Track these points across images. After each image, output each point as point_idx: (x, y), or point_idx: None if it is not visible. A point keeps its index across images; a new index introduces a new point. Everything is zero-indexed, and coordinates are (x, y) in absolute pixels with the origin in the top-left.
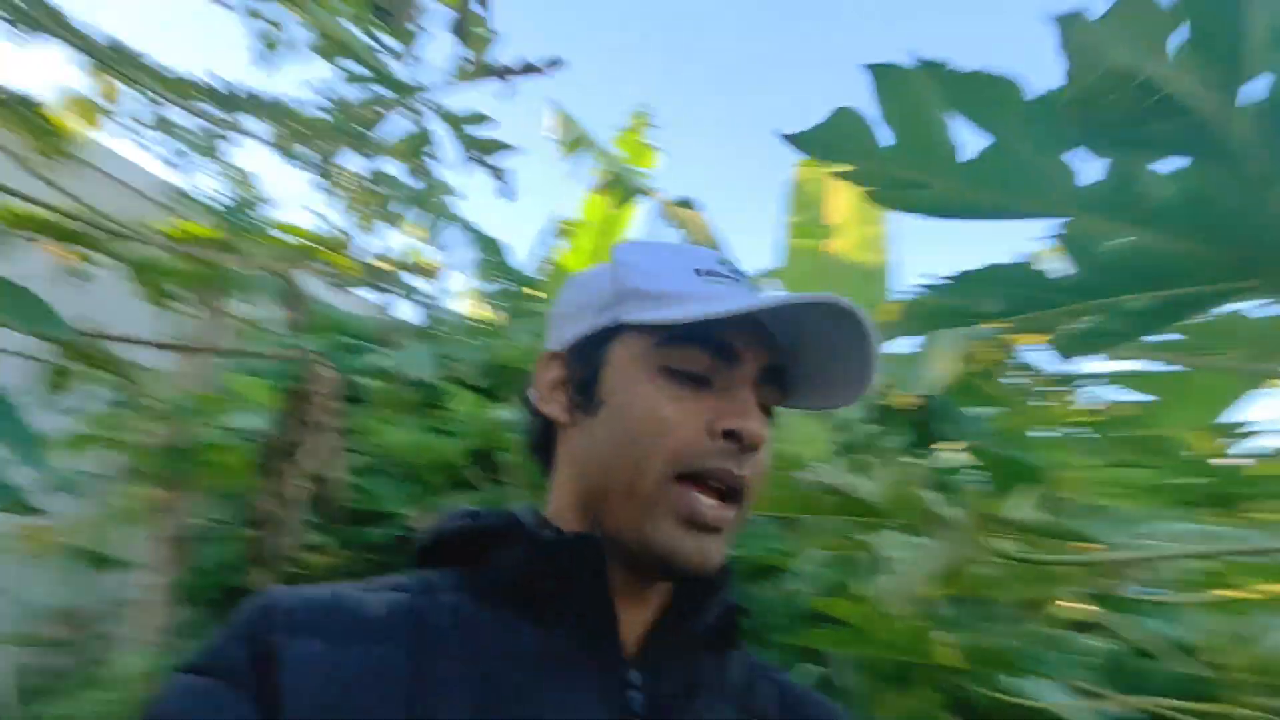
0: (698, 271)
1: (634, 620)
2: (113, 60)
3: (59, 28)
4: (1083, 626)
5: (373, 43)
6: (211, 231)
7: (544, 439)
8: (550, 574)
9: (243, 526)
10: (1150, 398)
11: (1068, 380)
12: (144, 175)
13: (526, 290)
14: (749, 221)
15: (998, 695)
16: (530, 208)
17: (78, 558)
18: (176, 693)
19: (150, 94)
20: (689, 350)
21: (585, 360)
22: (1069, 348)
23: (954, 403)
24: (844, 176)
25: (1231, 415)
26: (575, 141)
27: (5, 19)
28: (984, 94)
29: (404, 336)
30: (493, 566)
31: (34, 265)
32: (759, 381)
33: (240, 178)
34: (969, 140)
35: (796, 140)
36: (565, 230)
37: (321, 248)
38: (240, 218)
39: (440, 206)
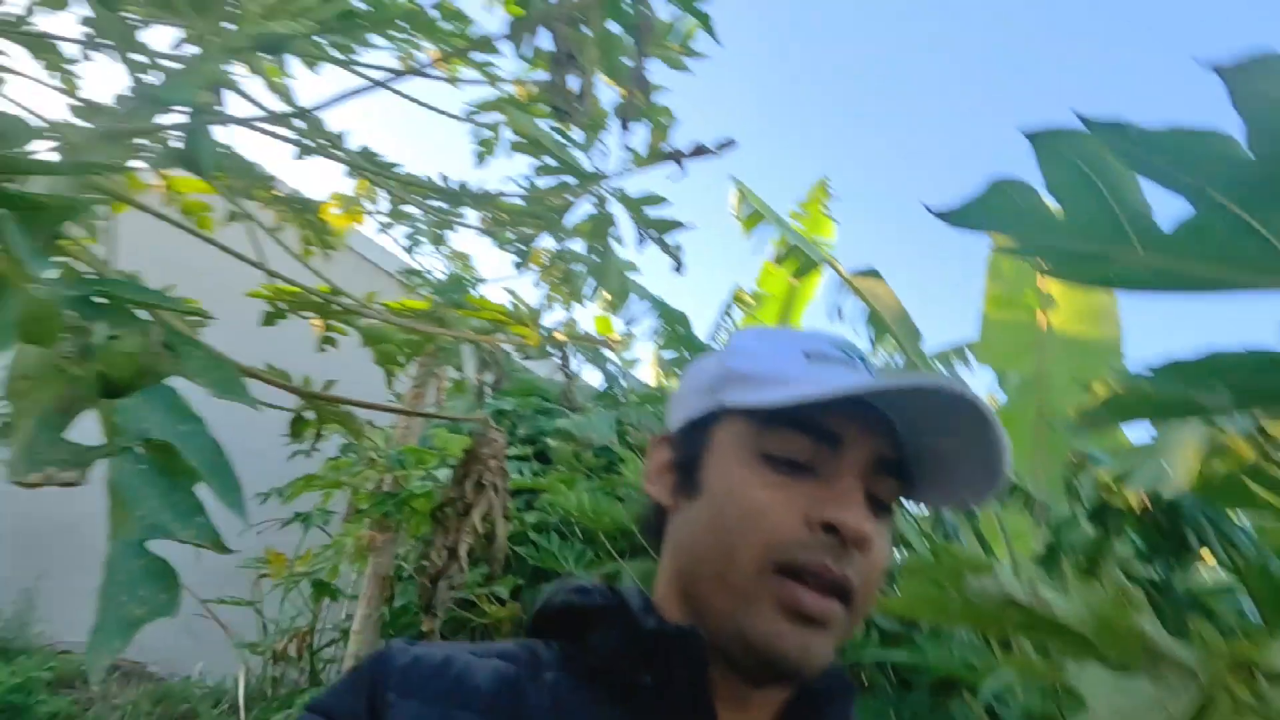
0: (807, 354)
1: None
2: (368, 167)
3: (330, 146)
4: None
5: (561, 138)
6: (424, 304)
7: (655, 522)
8: (647, 663)
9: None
10: None
11: None
12: (391, 259)
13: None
14: (942, 291)
15: None
16: (715, 283)
17: (310, 585)
18: None
19: (394, 192)
20: (789, 435)
21: (689, 443)
22: None
23: (1206, 504)
24: (1014, 253)
25: None
26: (755, 216)
27: (291, 141)
28: (1182, 152)
29: (589, 402)
30: (590, 648)
31: (301, 335)
32: (871, 473)
33: (460, 259)
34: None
35: (950, 217)
36: (744, 302)
37: (513, 320)
38: (452, 293)
39: (623, 280)
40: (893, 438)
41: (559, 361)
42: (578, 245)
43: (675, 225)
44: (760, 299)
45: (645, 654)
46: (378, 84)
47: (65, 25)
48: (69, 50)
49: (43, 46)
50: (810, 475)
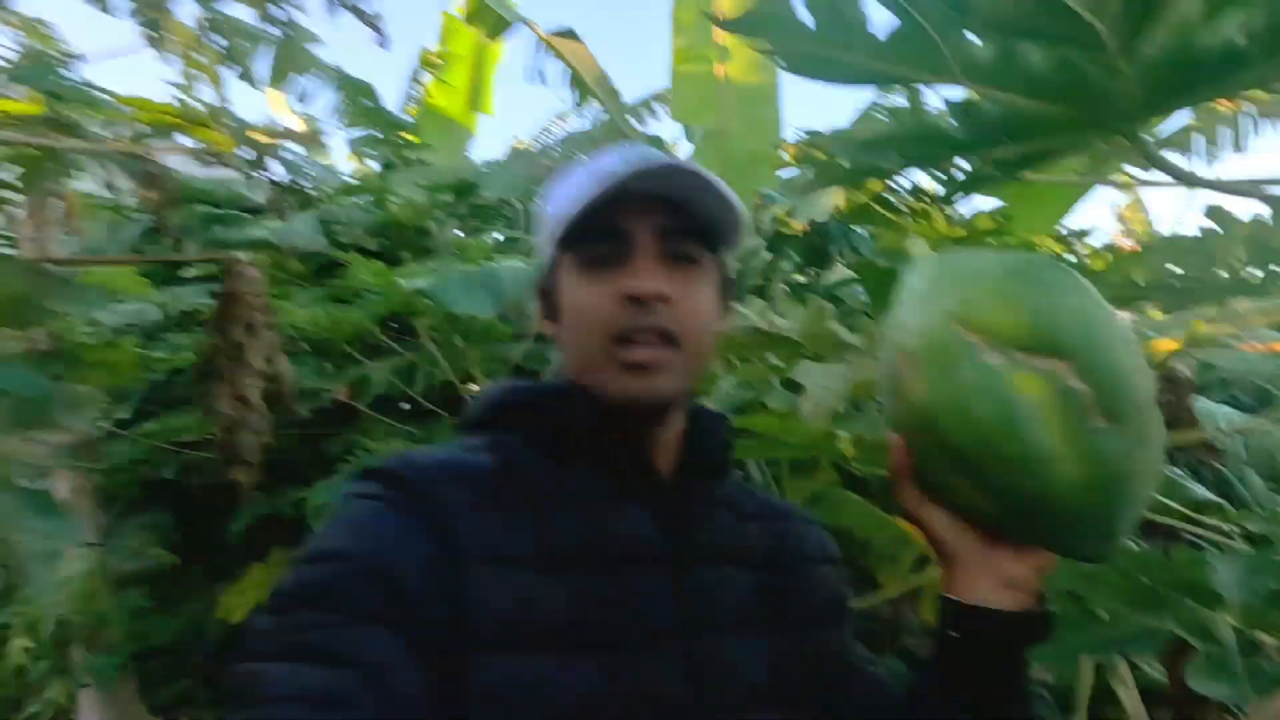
0: (598, 180)
1: (663, 456)
2: None
3: None
4: None
5: None
6: (34, 107)
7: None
8: (597, 434)
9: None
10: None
11: (945, 199)
12: None
13: (400, 135)
14: (636, 44)
15: (881, 471)
16: (396, 51)
17: None
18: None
19: None
20: (589, 244)
21: (547, 282)
22: (952, 188)
23: (842, 225)
24: (769, 52)
25: (1070, 221)
26: None
27: None
28: None
29: (281, 204)
30: (557, 428)
31: None
32: (662, 242)
33: (33, 30)
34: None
35: (728, 25)
36: (431, 64)
37: (186, 120)
38: (36, 78)
39: (309, 57)
40: (675, 208)
41: (251, 163)
42: (237, 11)
43: None
44: (448, 59)
45: (597, 428)
46: None
47: None
48: None
49: None
50: (615, 265)
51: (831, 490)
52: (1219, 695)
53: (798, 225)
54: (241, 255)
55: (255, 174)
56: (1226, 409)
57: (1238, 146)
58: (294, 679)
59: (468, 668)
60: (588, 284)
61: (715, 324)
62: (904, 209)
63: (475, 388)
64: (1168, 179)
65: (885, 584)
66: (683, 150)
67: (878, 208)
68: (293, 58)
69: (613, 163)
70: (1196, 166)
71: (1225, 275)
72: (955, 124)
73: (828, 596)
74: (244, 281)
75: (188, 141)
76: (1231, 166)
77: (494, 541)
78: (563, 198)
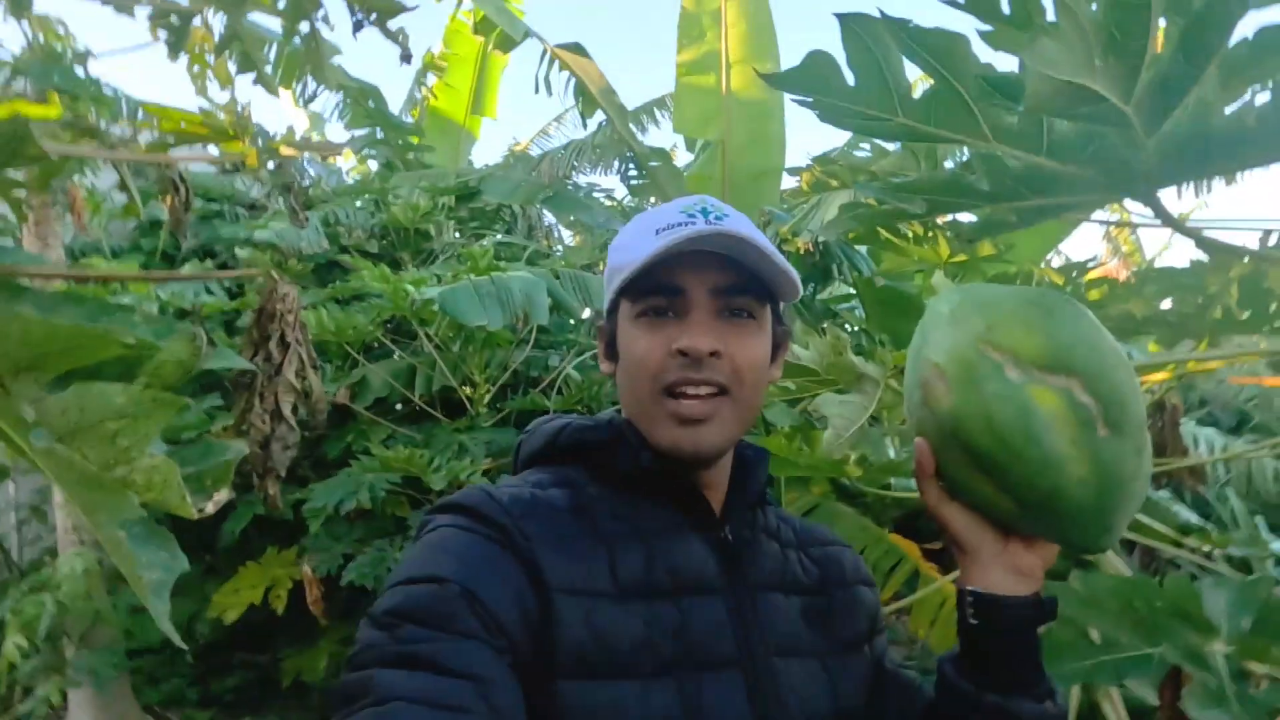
0: (657, 230)
1: (714, 494)
2: None
3: None
4: None
5: None
6: (52, 110)
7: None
8: (661, 476)
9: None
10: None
11: (960, 238)
12: None
13: (404, 137)
14: (643, 57)
15: (881, 492)
16: (390, 50)
17: None
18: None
19: None
20: (648, 297)
21: (609, 325)
22: (977, 232)
23: (845, 246)
24: (810, 107)
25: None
26: None
27: None
28: (940, 48)
29: (295, 207)
30: (617, 468)
31: None
32: (717, 299)
33: (46, 27)
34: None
35: (775, 79)
36: (436, 66)
37: (212, 130)
38: (40, 74)
39: (335, 70)
40: (729, 266)
41: (273, 174)
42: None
43: (399, 8)
44: (451, 61)
45: (657, 470)
46: None
47: None
48: None
49: None
50: (671, 319)
51: (827, 503)
52: None
53: (801, 243)
54: (240, 251)
55: (292, 186)
56: (1208, 431)
57: (1229, 181)
58: (411, 683)
59: (552, 695)
60: (645, 334)
61: (766, 375)
62: (907, 233)
63: (470, 390)
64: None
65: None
66: (682, 160)
67: (882, 231)
68: (316, 69)
69: (674, 215)
70: (1187, 198)
71: (1217, 312)
72: (978, 176)
73: (868, 615)
74: (279, 299)
75: (211, 150)
76: (1222, 199)
77: (574, 574)
78: (626, 245)
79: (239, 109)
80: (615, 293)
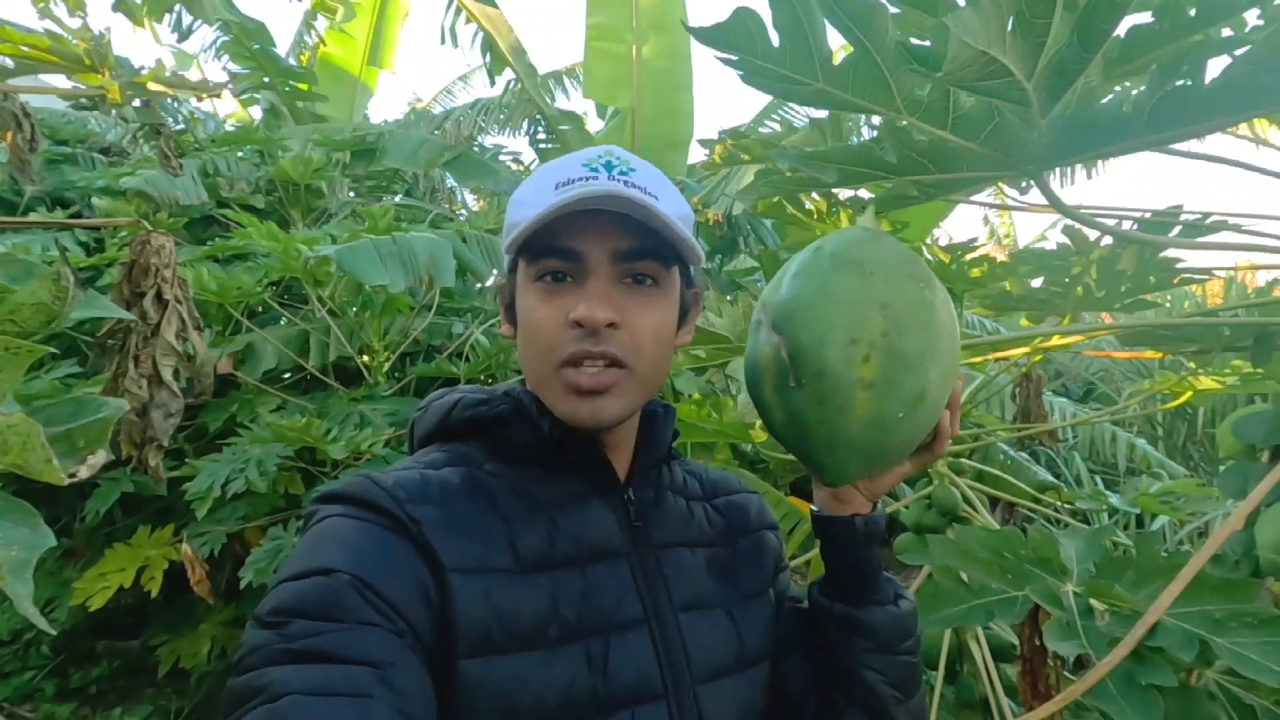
0: (556, 185)
1: (619, 454)
2: None
3: None
4: None
5: None
6: None
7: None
8: (563, 444)
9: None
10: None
11: (861, 208)
12: None
13: (293, 83)
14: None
15: (781, 456)
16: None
17: None
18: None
19: None
20: (543, 258)
21: (508, 287)
22: (880, 205)
23: (752, 218)
24: (733, 65)
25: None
26: None
27: None
28: (861, 15)
29: (166, 152)
30: (515, 441)
31: None
32: (618, 264)
33: None
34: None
35: (700, 33)
36: (328, 7)
37: (64, 59)
38: None
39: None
40: (630, 229)
41: (140, 112)
42: None
43: None
44: (347, 4)
45: (556, 438)
46: None
47: None
48: None
49: None
50: (569, 284)
51: (729, 469)
52: (1069, 653)
53: (712, 215)
54: (98, 201)
55: (161, 126)
56: (1061, 400)
57: (1089, 174)
58: (305, 677)
59: (455, 673)
60: (541, 302)
61: (670, 343)
62: (811, 208)
63: (367, 359)
64: (1039, 200)
65: None
66: (593, 126)
67: (788, 205)
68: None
69: (576, 169)
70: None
71: (1079, 291)
72: (887, 149)
73: (773, 558)
74: (152, 252)
75: (61, 81)
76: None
77: (469, 553)
78: (524, 200)
79: (96, 36)
80: (513, 252)
